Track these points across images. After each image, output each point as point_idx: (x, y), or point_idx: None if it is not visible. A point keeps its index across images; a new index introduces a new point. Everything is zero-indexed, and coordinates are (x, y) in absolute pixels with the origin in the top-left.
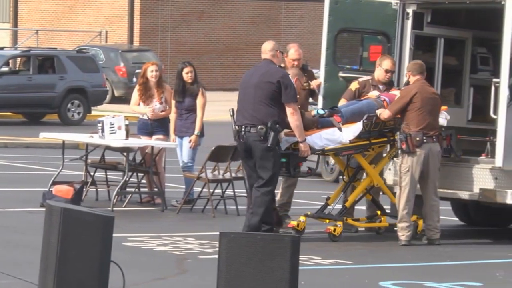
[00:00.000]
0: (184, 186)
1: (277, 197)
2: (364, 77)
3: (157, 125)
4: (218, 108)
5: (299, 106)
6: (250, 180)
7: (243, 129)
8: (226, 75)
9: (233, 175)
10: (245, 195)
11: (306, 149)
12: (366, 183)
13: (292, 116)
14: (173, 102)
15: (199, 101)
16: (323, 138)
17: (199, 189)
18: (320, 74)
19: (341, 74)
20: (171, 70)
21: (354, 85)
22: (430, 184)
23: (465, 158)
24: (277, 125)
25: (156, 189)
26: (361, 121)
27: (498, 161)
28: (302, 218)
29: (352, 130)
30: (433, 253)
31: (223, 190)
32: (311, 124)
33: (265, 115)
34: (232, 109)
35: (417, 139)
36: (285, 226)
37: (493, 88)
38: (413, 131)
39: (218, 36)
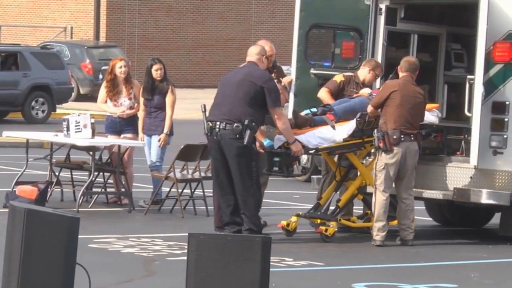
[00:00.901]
0: (152, 186)
1: None
2: (348, 73)
3: (126, 123)
4: (187, 106)
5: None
6: (218, 179)
7: (217, 126)
8: (195, 72)
9: (203, 174)
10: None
11: (298, 149)
12: (359, 183)
13: (279, 120)
14: (141, 100)
15: (168, 99)
16: (317, 136)
17: (168, 189)
18: (292, 71)
19: (312, 71)
20: (138, 67)
21: (339, 77)
22: (405, 183)
23: (439, 157)
24: (253, 124)
25: (123, 189)
26: (355, 119)
27: (473, 160)
28: (293, 218)
29: (346, 129)
30: (407, 254)
31: (192, 190)
32: (305, 122)
33: (242, 113)
34: (204, 105)
35: (394, 137)
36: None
37: (467, 85)
38: (390, 129)
39: (187, 32)
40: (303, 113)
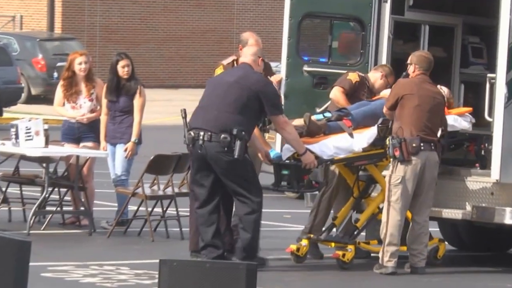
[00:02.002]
0: (116, 204)
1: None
2: (358, 72)
3: (86, 130)
4: (158, 109)
5: None
6: (200, 193)
7: (201, 136)
8: (167, 69)
9: (176, 190)
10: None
11: (309, 161)
12: (380, 200)
13: (284, 129)
14: (104, 102)
15: (136, 101)
16: (332, 146)
17: (135, 208)
18: (281, 68)
19: (306, 68)
20: (100, 63)
21: (354, 77)
22: (422, 201)
23: (454, 170)
24: (243, 133)
25: (82, 208)
26: (376, 125)
27: (495, 173)
28: (304, 242)
29: (366, 136)
30: (418, 284)
31: (164, 209)
32: (318, 130)
33: (231, 121)
34: (184, 110)
35: (413, 145)
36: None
37: (487, 85)
38: (408, 136)
39: (158, 22)
40: (314, 118)
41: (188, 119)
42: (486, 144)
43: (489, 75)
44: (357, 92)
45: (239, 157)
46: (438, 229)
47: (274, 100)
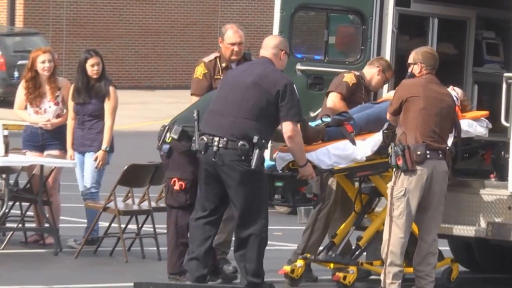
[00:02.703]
0: (85, 220)
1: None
2: (354, 71)
3: (51, 136)
4: (132, 113)
5: None
6: (203, 207)
7: (215, 143)
8: (143, 67)
9: (153, 204)
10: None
11: (308, 173)
12: (385, 215)
13: (292, 138)
14: (71, 105)
15: (108, 104)
16: (331, 154)
17: (106, 224)
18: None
19: (299, 66)
20: (67, 61)
21: (350, 78)
22: (431, 215)
23: (467, 181)
24: (263, 141)
25: (47, 225)
26: (381, 131)
27: None
28: (299, 262)
29: (370, 144)
30: None
31: (139, 226)
32: (315, 136)
33: (250, 128)
34: (198, 111)
35: (418, 153)
36: (228, 274)
37: (504, 86)
38: (412, 143)
39: (132, 14)
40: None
41: (200, 123)
42: (503, 152)
43: (505, 74)
44: (354, 94)
45: (256, 168)
46: (448, 248)
47: (293, 105)
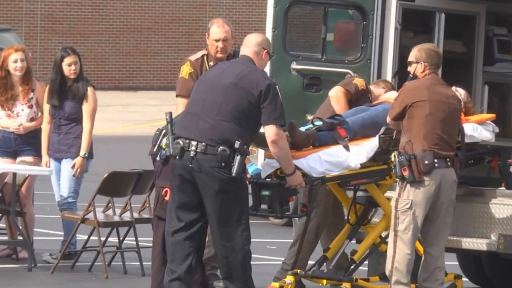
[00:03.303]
0: (62, 233)
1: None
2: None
3: (24, 142)
4: (113, 116)
5: None
6: (179, 219)
7: (192, 147)
8: (125, 66)
9: (136, 215)
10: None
11: (297, 182)
12: (382, 227)
13: (276, 143)
14: (46, 107)
15: (86, 106)
16: (323, 161)
17: (85, 237)
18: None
19: (294, 66)
20: (42, 60)
21: (361, 83)
22: (438, 228)
23: (476, 190)
24: (245, 147)
25: (20, 237)
26: (377, 136)
27: None
28: (289, 279)
29: (365, 149)
30: None
31: (121, 238)
32: (305, 141)
33: (230, 132)
34: (170, 113)
35: (426, 162)
36: None
37: None
38: (418, 151)
39: (113, 9)
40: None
41: (173, 126)
42: None
43: None
44: (359, 101)
45: (237, 175)
46: (457, 263)
47: (276, 107)
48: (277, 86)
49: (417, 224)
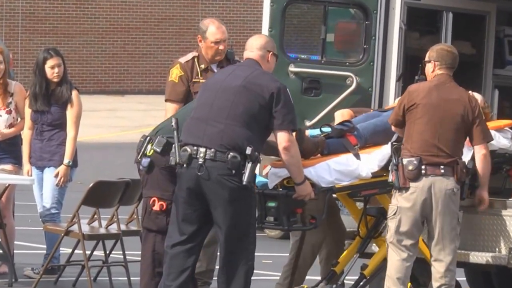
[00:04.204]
0: (44, 246)
1: None
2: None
3: (3, 149)
4: (98, 122)
5: None
6: (181, 231)
7: (200, 154)
8: (111, 69)
9: (123, 227)
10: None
11: (306, 192)
12: None
13: (288, 150)
14: (27, 113)
15: (70, 111)
16: (332, 170)
17: (69, 250)
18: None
19: (292, 68)
20: (23, 62)
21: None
22: (440, 242)
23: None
24: (256, 153)
25: (0, 251)
26: (389, 143)
27: None
28: None
29: (376, 158)
30: None
31: (107, 252)
32: (314, 148)
33: (241, 137)
34: (176, 119)
35: (410, 168)
36: None
37: None
38: (407, 156)
39: (99, 7)
40: (308, 133)
41: (180, 132)
42: None
43: None
44: None
45: (248, 184)
46: (464, 278)
47: (288, 111)
48: (288, 90)
49: (406, 232)
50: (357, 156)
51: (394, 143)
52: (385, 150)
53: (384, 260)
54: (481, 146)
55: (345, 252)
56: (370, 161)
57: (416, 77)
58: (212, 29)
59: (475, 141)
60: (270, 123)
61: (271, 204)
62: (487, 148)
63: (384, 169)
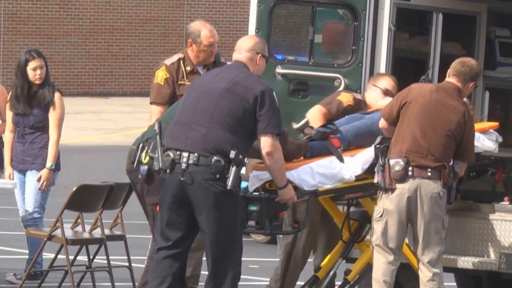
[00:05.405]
0: (27, 251)
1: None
2: (358, 95)
3: None
4: (82, 124)
5: None
6: (166, 236)
7: (183, 159)
8: (95, 71)
9: (107, 232)
10: (127, 264)
11: (288, 196)
12: None
13: (271, 155)
14: (9, 116)
15: (53, 114)
16: (315, 173)
17: (52, 256)
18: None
19: (279, 70)
20: (4, 63)
21: (347, 98)
22: (426, 246)
23: (475, 205)
24: (241, 157)
25: None
26: (372, 146)
27: None
28: None
29: (360, 160)
30: None
31: (91, 257)
32: (297, 151)
33: (225, 141)
34: (159, 123)
35: (396, 169)
36: None
37: None
38: (395, 157)
39: (82, 8)
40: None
41: (163, 136)
42: None
43: None
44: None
45: (233, 188)
46: (455, 284)
47: (273, 115)
48: (274, 92)
49: (392, 234)
50: (340, 159)
51: (377, 145)
52: (368, 153)
53: (368, 265)
54: (462, 164)
55: (327, 257)
56: (353, 164)
57: (423, 77)
58: (206, 33)
59: (457, 157)
60: (255, 127)
61: (253, 208)
62: (465, 166)
63: (368, 172)
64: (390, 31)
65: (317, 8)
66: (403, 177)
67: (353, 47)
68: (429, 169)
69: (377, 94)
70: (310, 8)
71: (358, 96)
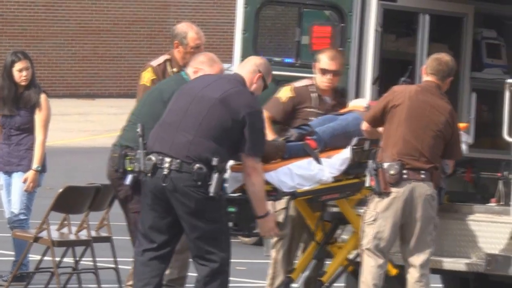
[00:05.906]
0: (13, 253)
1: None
2: (303, 81)
3: None
4: (69, 126)
5: None
6: (149, 239)
7: (166, 164)
8: (81, 72)
9: (93, 234)
10: (113, 266)
11: (268, 228)
12: (352, 246)
13: (250, 176)
14: None
15: (39, 115)
16: (294, 174)
17: (38, 257)
18: (234, 70)
19: None
20: None
21: (285, 93)
22: (415, 247)
23: (462, 206)
24: (223, 164)
25: None
26: (349, 147)
27: None
28: None
29: (337, 162)
30: None
31: (77, 258)
32: (275, 152)
33: (208, 150)
34: (142, 125)
35: (391, 172)
36: None
37: (507, 94)
38: (388, 160)
39: (68, 9)
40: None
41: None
42: (506, 172)
43: (508, 80)
44: (294, 111)
45: (215, 195)
46: (441, 285)
47: (257, 137)
48: (263, 114)
49: (385, 237)
50: (318, 160)
51: (354, 147)
52: (344, 155)
53: (341, 267)
54: (450, 162)
55: (301, 258)
56: (330, 165)
57: (402, 79)
58: (192, 35)
59: (446, 155)
60: (240, 141)
61: (231, 209)
62: (453, 164)
63: (344, 173)
64: (377, 33)
65: (304, 10)
66: (398, 181)
67: (341, 49)
68: (422, 171)
69: (318, 74)
70: (297, 9)
71: (301, 83)
